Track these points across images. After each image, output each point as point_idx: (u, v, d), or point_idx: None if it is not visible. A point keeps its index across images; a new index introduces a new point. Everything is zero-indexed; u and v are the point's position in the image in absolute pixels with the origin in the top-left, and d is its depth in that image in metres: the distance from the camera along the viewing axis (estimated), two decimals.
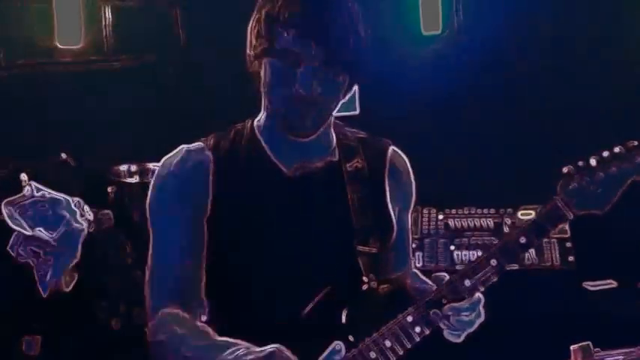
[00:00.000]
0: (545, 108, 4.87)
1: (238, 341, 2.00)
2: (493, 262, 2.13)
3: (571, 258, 4.75)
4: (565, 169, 2.21)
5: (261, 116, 2.26)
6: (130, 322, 4.18)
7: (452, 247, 4.40)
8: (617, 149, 2.19)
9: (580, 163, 2.21)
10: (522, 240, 2.16)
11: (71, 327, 4.04)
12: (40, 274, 3.79)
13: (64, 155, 4.40)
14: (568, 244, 4.74)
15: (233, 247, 2.17)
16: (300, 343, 2.01)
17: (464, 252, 4.38)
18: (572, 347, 1.88)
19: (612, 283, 4.71)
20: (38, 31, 4.87)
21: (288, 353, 1.93)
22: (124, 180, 4.54)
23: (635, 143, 2.21)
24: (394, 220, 2.26)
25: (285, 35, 2.10)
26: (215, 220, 2.18)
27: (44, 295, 3.87)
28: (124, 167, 4.60)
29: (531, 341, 4.02)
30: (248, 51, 2.21)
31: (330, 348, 2.08)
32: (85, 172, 4.50)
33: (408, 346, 2.09)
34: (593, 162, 2.19)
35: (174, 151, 2.25)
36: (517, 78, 4.89)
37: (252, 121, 2.27)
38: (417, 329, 2.09)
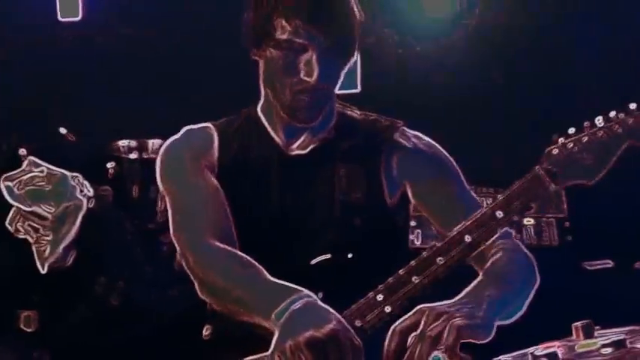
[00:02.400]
0: (543, 89, 4.87)
1: (298, 288, 1.92)
2: (467, 238, 1.96)
3: (569, 237, 4.77)
4: (554, 137, 2.01)
5: (263, 101, 2.27)
6: (128, 299, 4.20)
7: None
8: (611, 114, 1.99)
9: (570, 130, 2.01)
10: (499, 214, 1.96)
11: (69, 303, 4.05)
12: (39, 249, 3.80)
13: (63, 130, 4.41)
14: (566, 224, 4.75)
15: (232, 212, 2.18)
16: None
17: None
18: (573, 325, 1.81)
19: (609, 263, 4.73)
20: (38, 4, 4.85)
21: (351, 334, 1.85)
22: (124, 156, 4.55)
23: (633, 106, 1.99)
24: (387, 199, 2.22)
25: (287, 24, 2.09)
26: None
27: (43, 271, 3.88)
28: (123, 143, 4.61)
29: (531, 319, 4.03)
30: (246, 40, 2.20)
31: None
32: (85, 147, 4.50)
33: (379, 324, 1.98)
34: (584, 129, 2.00)
35: (179, 133, 2.28)
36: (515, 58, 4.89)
37: (257, 105, 2.29)
38: (388, 309, 1.94)
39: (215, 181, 2.20)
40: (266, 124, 2.25)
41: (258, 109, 2.28)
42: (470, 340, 1.86)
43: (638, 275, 4.61)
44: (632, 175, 4.63)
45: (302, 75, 2.10)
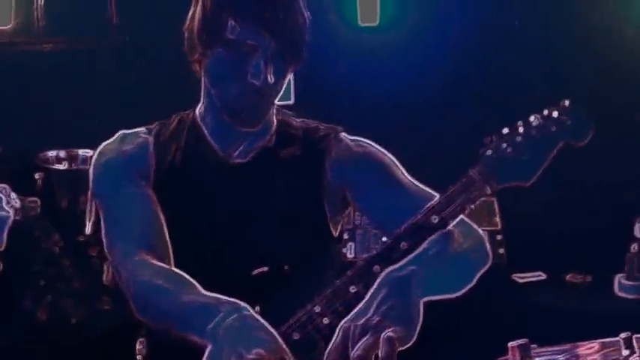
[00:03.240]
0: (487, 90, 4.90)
1: (233, 300, 1.86)
2: (403, 245, 1.91)
3: (501, 250, 4.79)
4: (487, 139, 1.96)
5: (202, 105, 2.24)
6: (56, 313, 4.12)
7: (384, 238, 4.39)
8: (545, 112, 1.94)
9: (504, 131, 1.96)
10: (434, 219, 1.92)
11: None
12: None
13: None
14: (499, 237, 4.78)
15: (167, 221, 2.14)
16: None
17: None
18: (510, 344, 1.77)
19: (541, 276, 4.76)
20: None
21: (280, 354, 1.77)
22: (53, 166, 4.47)
23: (566, 103, 1.94)
24: (326, 209, 2.20)
25: (237, 25, 2.06)
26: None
27: None
28: (52, 153, 4.53)
29: (464, 337, 4.04)
30: (190, 39, 2.16)
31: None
32: (12, 157, 4.41)
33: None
34: (517, 128, 1.94)
35: (114, 137, 2.23)
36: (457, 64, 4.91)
37: (195, 109, 2.25)
38: (325, 320, 1.90)
39: (149, 191, 2.15)
40: (204, 129, 2.21)
41: (197, 112, 2.25)
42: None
43: (569, 287, 4.66)
44: (564, 188, 4.70)
45: (249, 77, 2.07)
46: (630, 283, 4.50)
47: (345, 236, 4.43)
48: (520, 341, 1.74)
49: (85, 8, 4.87)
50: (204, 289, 1.95)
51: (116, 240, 2.11)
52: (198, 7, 2.13)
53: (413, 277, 1.84)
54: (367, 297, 1.82)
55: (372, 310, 1.79)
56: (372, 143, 2.26)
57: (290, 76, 2.19)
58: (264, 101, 2.14)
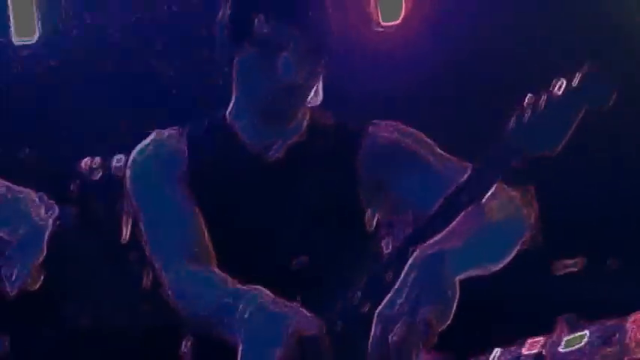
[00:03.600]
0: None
1: (248, 289, 1.92)
2: (437, 224, 1.92)
3: (539, 238, 4.76)
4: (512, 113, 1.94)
5: (233, 104, 2.25)
6: (98, 320, 4.14)
7: None
8: (565, 79, 1.92)
9: (527, 102, 1.94)
10: (464, 197, 1.92)
11: (39, 326, 3.99)
12: (6, 272, 3.73)
13: (27, 149, 4.35)
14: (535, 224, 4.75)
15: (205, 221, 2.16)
16: None
17: None
18: (558, 318, 1.75)
19: (581, 263, 4.73)
20: None
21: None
22: (87, 174, 4.49)
23: (585, 69, 1.91)
24: (362, 201, 2.20)
25: (265, 23, 2.07)
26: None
27: (11, 294, 3.81)
28: (86, 161, 4.55)
29: (508, 319, 4.02)
30: (223, 36, 2.18)
31: None
32: (48, 166, 4.44)
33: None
34: (539, 99, 1.92)
35: (147, 139, 2.26)
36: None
37: (226, 109, 2.27)
38: (365, 308, 1.91)
39: (187, 193, 2.16)
40: (237, 128, 2.22)
41: (228, 112, 2.25)
42: None
43: (611, 273, 4.62)
44: (600, 174, 4.66)
45: (280, 75, 2.08)
46: None
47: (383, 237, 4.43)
48: (568, 315, 1.72)
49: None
50: (245, 284, 1.99)
51: (158, 246, 2.15)
52: (228, 6, 2.16)
53: (444, 254, 1.83)
54: (399, 280, 1.80)
55: (404, 295, 1.78)
56: (402, 126, 2.26)
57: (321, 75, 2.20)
58: (295, 99, 2.15)
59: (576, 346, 1.63)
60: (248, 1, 2.12)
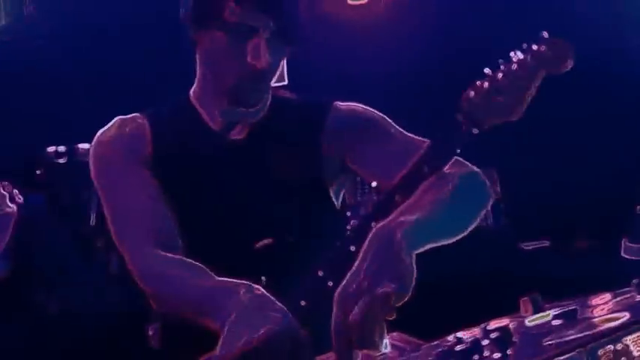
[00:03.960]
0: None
1: (242, 282, 1.88)
2: (398, 197, 1.90)
3: (504, 218, 4.81)
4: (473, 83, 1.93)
5: (196, 86, 2.24)
6: (66, 305, 4.13)
7: None
8: (524, 45, 1.90)
9: (486, 70, 1.93)
10: (425, 168, 1.92)
11: (8, 312, 3.98)
12: None
13: None
14: (501, 205, 4.79)
15: (177, 206, 2.15)
16: None
17: None
18: (521, 299, 1.75)
19: (545, 243, 4.78)
20: None
21: (291, 331, 1.80)
22: (53, 161, 4.47)
23: (545, 35, 1.89)
24: (327, 178, 2.20)
25: (237, 7, 2.06)
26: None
27: None
28: (51, 148, 4.53)
29: (472, 299, 4.05)
30: (188, 20, 2.15)
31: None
32: (12, 153, 4.41)
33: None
34: (498, 66, 1.91)
35: (109, 124, 2.23)
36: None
37: (189, 90, 2.26)
38: (330, 283, 1.89)
39: (150, 177, 2.15)
40: (200, 110, 2.22)
41: (191, 94, 2.25)
42: None
43: (577, 254, 4.67)
44: (564, 155, 4.71)
45: (249, 59, 2.07)
46: (636, 245, 4.50)
47: (348, 213, 4.44)
48: (531, 295, 1.73)
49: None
50: (212, 264, 1.98)
51: (123, 231, 2.13)
52: None
53: (401, 227, 1.79)
54: (359, 257, 1.77)
55: (362, 272, 1.75)
56: (363, 105, 2.25)
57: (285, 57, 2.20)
58: (264, 82, 2.15)
59: (543, 321, 1.63)
60: None
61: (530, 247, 4.80)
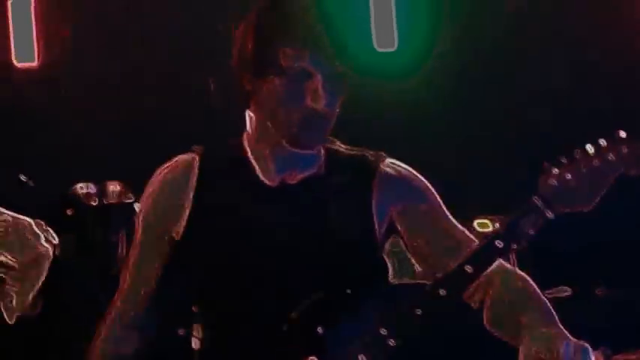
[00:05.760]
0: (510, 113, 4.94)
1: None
2: (468, 268, 2.03)
3: (528, 266, 4.79)
4: (545, 165, 2.07)
5: (248, 134, 2.25)
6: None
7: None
8: (602, 142, 2.05)
9: (563, 159, 2.07)
10: (499, 244, 2.02)
11: (39, 352, 4.00)
12: (5, 300, 3.75)
13: (23, 177, 4.37)
14: (525, 253, 4.78)
15: (212, 254, 2.19)
16: (282, 353, 2.07)
17: None
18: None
19: (567, 291, 4.77)
20: None
21: None
22: (84, 201, 4.51)
23: (622, 134, 2.05)
24: (377, 233, 2.22)
25: (293, 51, 2.10)
26: (194, 230, 2.21)
27: (10, 322, 3.82)
28: (82, 188, 4.58)
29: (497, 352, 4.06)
30: (244, 69, 2.18)
31: None
32: (44, 193, 4.46)
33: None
34: (576, 156, 2.05)
35: (167, 164, 2.28)
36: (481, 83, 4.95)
37: (242, 135, 2.27)
38: (391, 342, 2.02)
39: (165, 236, 2.23)
40: (251, 157, 2.22)
41: (244, 140, 2.25)
42: None
43: (598, 302, 4.67)
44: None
45: (308, 102, 2.10)
46: None
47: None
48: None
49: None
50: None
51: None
52: (249, 39, 2.16)
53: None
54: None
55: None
56: (411, 170, 2.30)
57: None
58: (325, 124, 2.16)
59: None
60: (273, 31, 2.13)
61: (552, 295, 4.79)
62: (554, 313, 2.11)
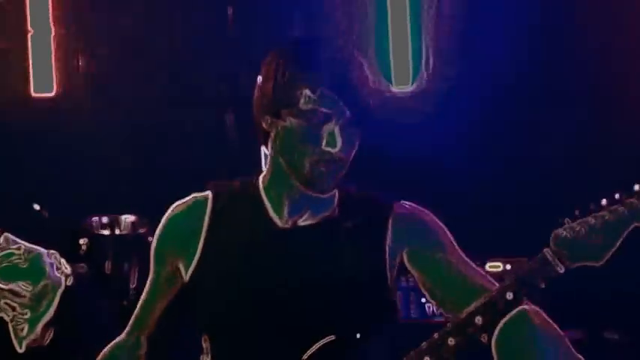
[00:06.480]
0: (526, 159, 4.95)
1: None
2: (478, 319, 2.05)
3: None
4: (561, 220, 2.07)
5: (265, 174, 2.26)
6: None
7: (423, 300, 4.43)
8: (616, 196, 2.05)
9: (576, 212, 2.07)
10: (509, 296, 2.04)
11: None
12: (15, 328, 3.76)
13: (37, 206, 4.40)
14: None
15: (222, 294, 2.20)
16: None
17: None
18: None
19: (576, 334, 4.75)
20: (12, 78, 4.89)
21: None
22: (96, 232, 4.54)
23: (637, 187, 2.05)
24: (390, 275, 2.22)
25: (312, 94, 2.11)
26: (205, 268, 2.22)
27: (20, 350, 3.82)
28: (95, 219, 4.61)
29: None
30: (262, 110, 2.19)
31: None
32: (58, 223, 4.49)
33: None
34: (590, 211, 2.05)
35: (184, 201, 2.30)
36: (496, 126, 4.97)
37: (258, 176, 2.27)
38: None
39: (172, 278, 2.27)
40: (265, 197, 2.23)
41: (260, 180, 2.26)
42: None
43: (607, 345, 4.65)
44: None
45: (324, 145, 2.11)
46: None
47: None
48: None
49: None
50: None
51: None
52: (270, 79, 2.17)
53: None
54: None
55: None
56: (425, 211, 2.30)
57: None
58: (339, 169, 2.16)
59: None
60: (293, 74, 2.13)
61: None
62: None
